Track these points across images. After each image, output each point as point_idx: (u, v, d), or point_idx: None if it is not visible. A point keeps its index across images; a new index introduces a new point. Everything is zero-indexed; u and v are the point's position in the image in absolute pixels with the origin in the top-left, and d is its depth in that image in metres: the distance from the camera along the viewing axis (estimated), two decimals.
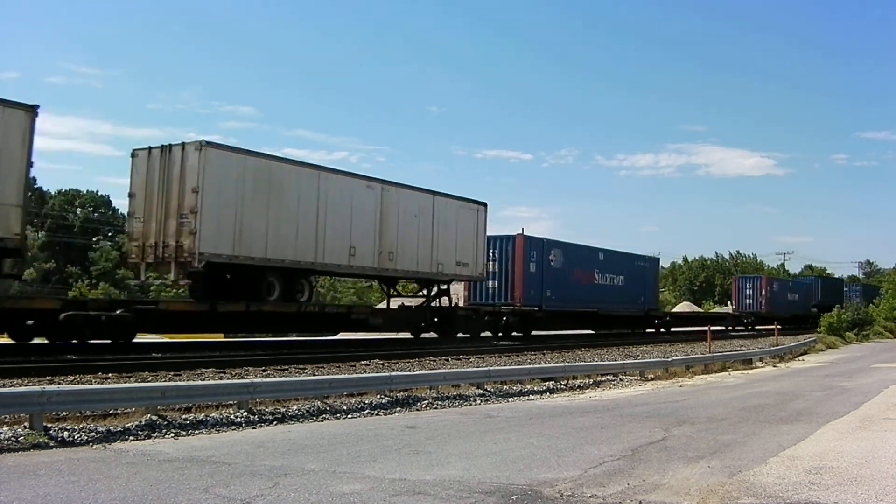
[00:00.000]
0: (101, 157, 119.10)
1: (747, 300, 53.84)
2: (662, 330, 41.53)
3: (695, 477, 7.19)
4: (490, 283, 29.58)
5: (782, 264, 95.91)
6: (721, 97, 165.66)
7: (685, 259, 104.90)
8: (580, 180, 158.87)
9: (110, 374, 13.22)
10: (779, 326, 40.10)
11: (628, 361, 20.38)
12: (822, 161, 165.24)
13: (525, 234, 30.53)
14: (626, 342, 31.30)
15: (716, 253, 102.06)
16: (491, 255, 29.30)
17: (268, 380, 12.79)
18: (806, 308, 59.72)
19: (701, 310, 72.95)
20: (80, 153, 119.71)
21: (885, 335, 54.43)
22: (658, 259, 42.10)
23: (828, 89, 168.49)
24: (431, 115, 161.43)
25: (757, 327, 52.45)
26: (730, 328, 50.86)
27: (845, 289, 71.34)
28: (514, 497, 6.29)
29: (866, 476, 7.39)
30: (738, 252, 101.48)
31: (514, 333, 29.94)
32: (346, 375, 14.06)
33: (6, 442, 8.25)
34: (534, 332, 31.35)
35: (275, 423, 10.39)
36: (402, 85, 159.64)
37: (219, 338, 25.48)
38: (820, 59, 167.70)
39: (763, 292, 53.46)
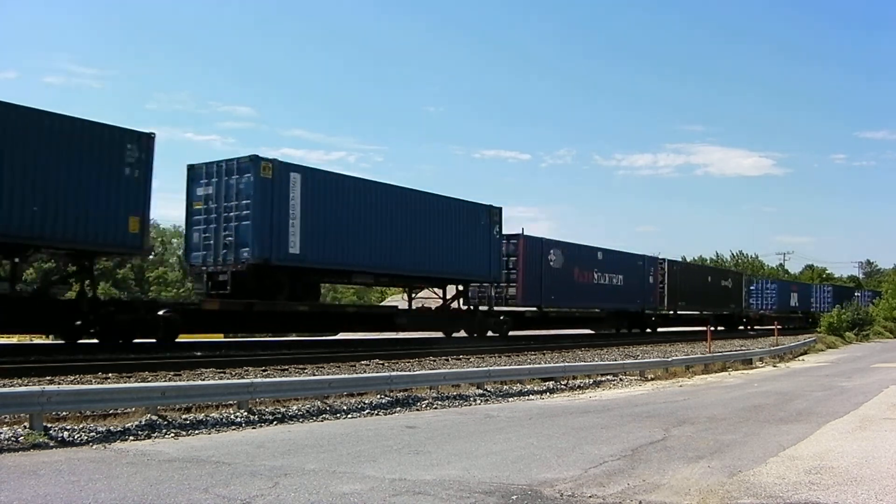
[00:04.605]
0: None
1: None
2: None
3: (695, 477, 7.19)
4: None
5: (782, 264, 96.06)
6: (720, 97, 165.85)
7: (684, 259, 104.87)
8: (579, 180, 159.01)
9: (110, 374, 13.23)
10: (779, 326, 40.13)
11: (628, 361, 20.38)
12: (821, 161, 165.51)
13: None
14: (625, 342, 31.34)
15: (716, 253, 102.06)
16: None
17: (268, 380, 12.81)
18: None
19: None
20: None
21: (885, 335, 54.48)
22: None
23: (826, 89, 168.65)
24: (430, 115, 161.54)
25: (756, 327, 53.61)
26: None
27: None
28: (514, 497, 6.29)
29: (866, 476, 7.38)
30: (740, 252, 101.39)
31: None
32: (346, 375, 14.07)
33: (6, 442, 8.26)
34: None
35: (275, 423, 10.39)
36: (400, 85, 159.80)
37: (218, 338, 25.49)
38: (818, 59, 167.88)
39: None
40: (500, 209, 28.87)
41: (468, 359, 20.17)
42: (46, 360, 14.39)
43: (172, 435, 9.18)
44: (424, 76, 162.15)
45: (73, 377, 12.60)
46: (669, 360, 21.00)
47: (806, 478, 7.22)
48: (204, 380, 13.18)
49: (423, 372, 15.61)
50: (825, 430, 10.47)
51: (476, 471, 7.29)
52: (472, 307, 29.71)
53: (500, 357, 21.13)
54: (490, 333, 28.98)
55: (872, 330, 53.45)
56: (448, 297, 28.97)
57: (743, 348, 29.14)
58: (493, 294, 30.40)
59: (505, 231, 29.67)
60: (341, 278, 27.06)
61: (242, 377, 13.70)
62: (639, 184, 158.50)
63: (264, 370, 15.04)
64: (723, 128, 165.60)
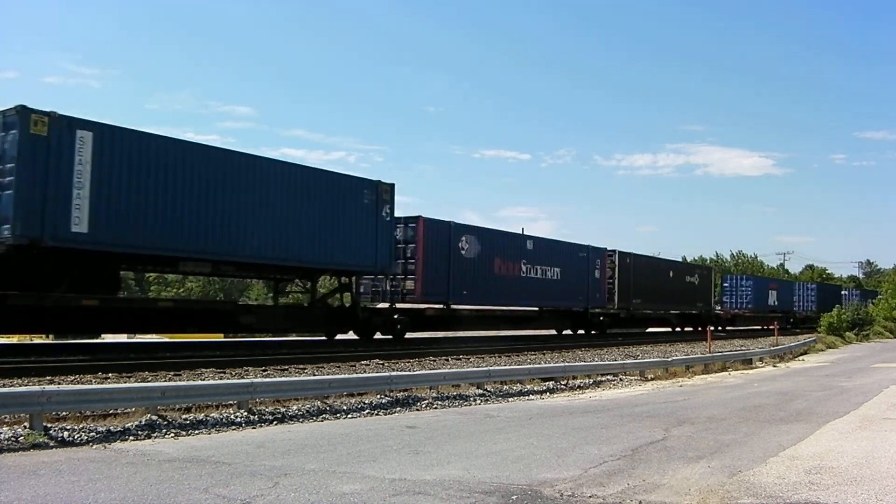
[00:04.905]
0: None
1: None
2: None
3: (695, 477, 7.20)
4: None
5: (782, 264, 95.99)
6: (719, 97, 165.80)
7: (684, 258, 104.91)
8: (579, 180, 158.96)
9: (110, 374, 13.25)
10: (779, 326, 40.16)
11: (628, 361, 20.40)
12: (821, 161, 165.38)
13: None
14: (625, 342, 31.38)
15: (716, 253, 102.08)
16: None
17: (268, 380, 12.81)
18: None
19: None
20: None
21: (885, 335, 54.51)
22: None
23: (826, 89, 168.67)
24: (430, 115, 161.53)
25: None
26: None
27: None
28: (514, 497, 6.30)
29: (866, 476, 7.39)
30: (740, 252, 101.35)
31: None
32: (346, 375, 14.07)
33: (6, 442, 8.26)
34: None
35: (275, 423, 10.40)
36: (399, 85, 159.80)
37: (218, 337, 25.53)
38: (818, 59, 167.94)
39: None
40: (392, 185, 23.41)
41: (468, 359, 20.23)
42: (46, 360, 14.41)
43: (172, 435, 9.19)
44: (424, 75, 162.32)
45: (73, 377, 12.62)
46: (669, 360, 21.03)
47: (806, 478, 7.22)
48: (204, 380, 13.18)
49: (423, 372, 15.61)
50: (825, 430, 10.48)
51: (476, 471, 7.30)
52: (356, 303, 24.50)
53: (500, 357, 21.19)
54: (379, 335, 24.59)
55: (872, 330, 53.49)
56: (325, 291, 24.94)
57: (743, 348, 29.17)
58: (388, 288, 25.51)
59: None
60: (161, 266, 21.55)
61: (242, 377, 13.70)
62: (639, 184, 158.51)
63: (264, 370, 15.05)
64: (723, 128, 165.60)
